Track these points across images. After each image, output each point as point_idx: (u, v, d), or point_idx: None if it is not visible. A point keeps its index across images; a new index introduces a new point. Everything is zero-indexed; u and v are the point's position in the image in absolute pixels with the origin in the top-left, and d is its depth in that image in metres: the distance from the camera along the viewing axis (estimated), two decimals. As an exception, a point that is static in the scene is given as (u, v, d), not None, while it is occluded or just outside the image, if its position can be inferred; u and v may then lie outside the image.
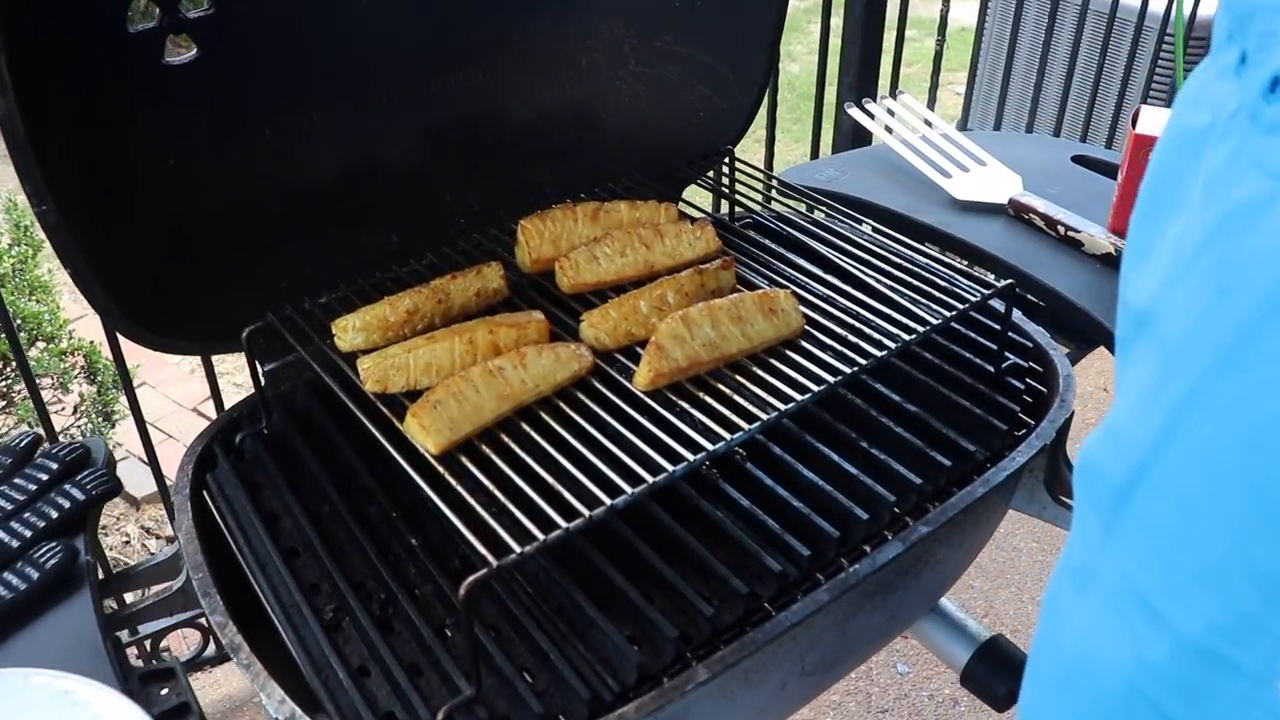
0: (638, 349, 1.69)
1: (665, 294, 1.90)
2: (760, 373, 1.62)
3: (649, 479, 1.32)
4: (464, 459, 1.47)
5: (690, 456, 1.35)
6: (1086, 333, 2.13)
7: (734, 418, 1.47)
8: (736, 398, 1.54)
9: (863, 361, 1.58)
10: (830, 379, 1.55)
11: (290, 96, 1.69)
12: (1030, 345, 1.97)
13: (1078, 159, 2.91)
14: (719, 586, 1.45)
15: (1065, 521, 2.02)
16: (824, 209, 2.26)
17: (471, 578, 1.18)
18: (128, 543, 4.98)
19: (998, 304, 1.81)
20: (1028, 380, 1.90)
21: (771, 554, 1.47)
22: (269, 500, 1.76)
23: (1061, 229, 2.51)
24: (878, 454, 1.65)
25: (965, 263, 2.50)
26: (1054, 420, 1.79)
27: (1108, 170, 2.75)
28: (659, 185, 2.25)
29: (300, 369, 1.81)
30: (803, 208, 2.23)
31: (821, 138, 4.12)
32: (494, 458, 1.46)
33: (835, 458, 1.64)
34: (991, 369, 1.86)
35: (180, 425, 4.65)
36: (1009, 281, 1.78)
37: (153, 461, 2.80)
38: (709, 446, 1.37)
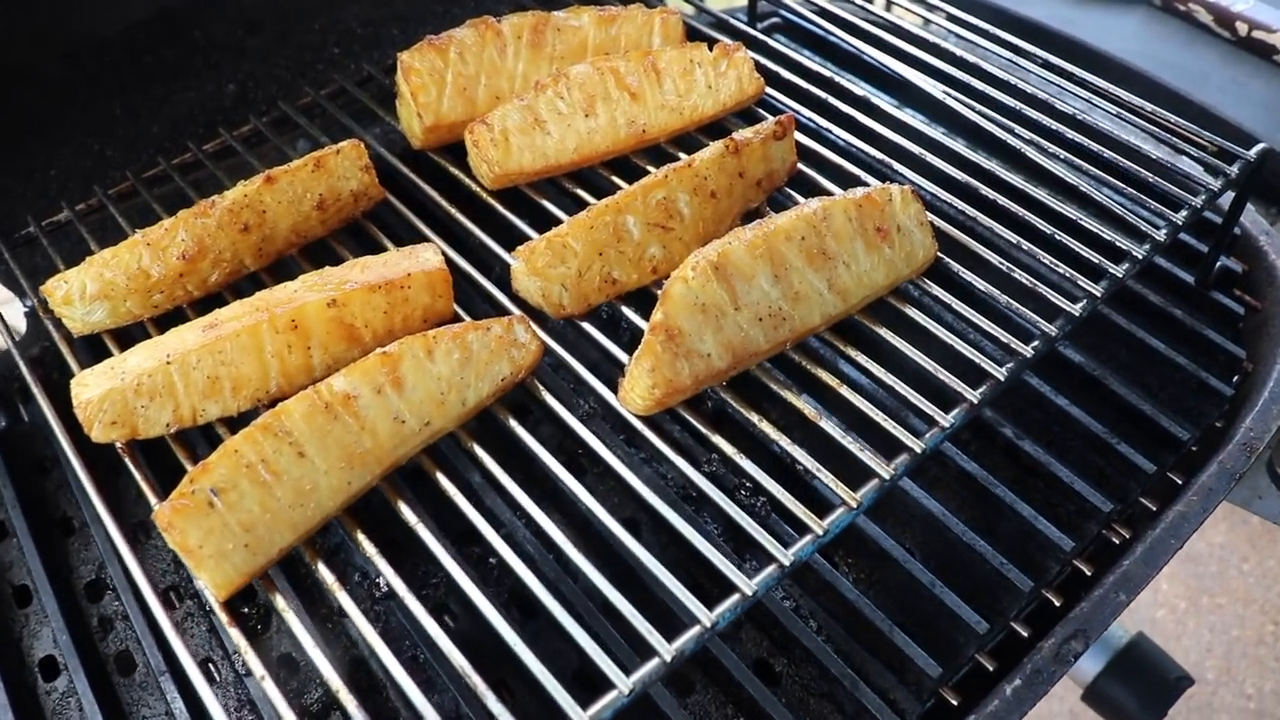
0: (627, 311, 1.03)
1: (674, 198, 0.98)
2: (859, 357, 1.00)
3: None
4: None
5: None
6: None
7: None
8: (823, 423, 0.96)
9: (1045, 333, 1.03)
10: (999, 374, 0.99)
11: None
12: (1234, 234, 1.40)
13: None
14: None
15: None
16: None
17: None
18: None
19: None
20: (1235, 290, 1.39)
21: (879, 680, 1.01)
22: (15, 562, 1.19)
23: (1243, 27, 1.67)
24: (1035, 453, 1.16)
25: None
26: None
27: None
28: None
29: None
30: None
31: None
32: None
33: (971, 468, 1.14)
34: (1191, 279, 1.35)
35: None
36: (1260, 150, 1.20)
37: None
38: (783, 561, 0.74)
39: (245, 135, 1.33)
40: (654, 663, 0.81)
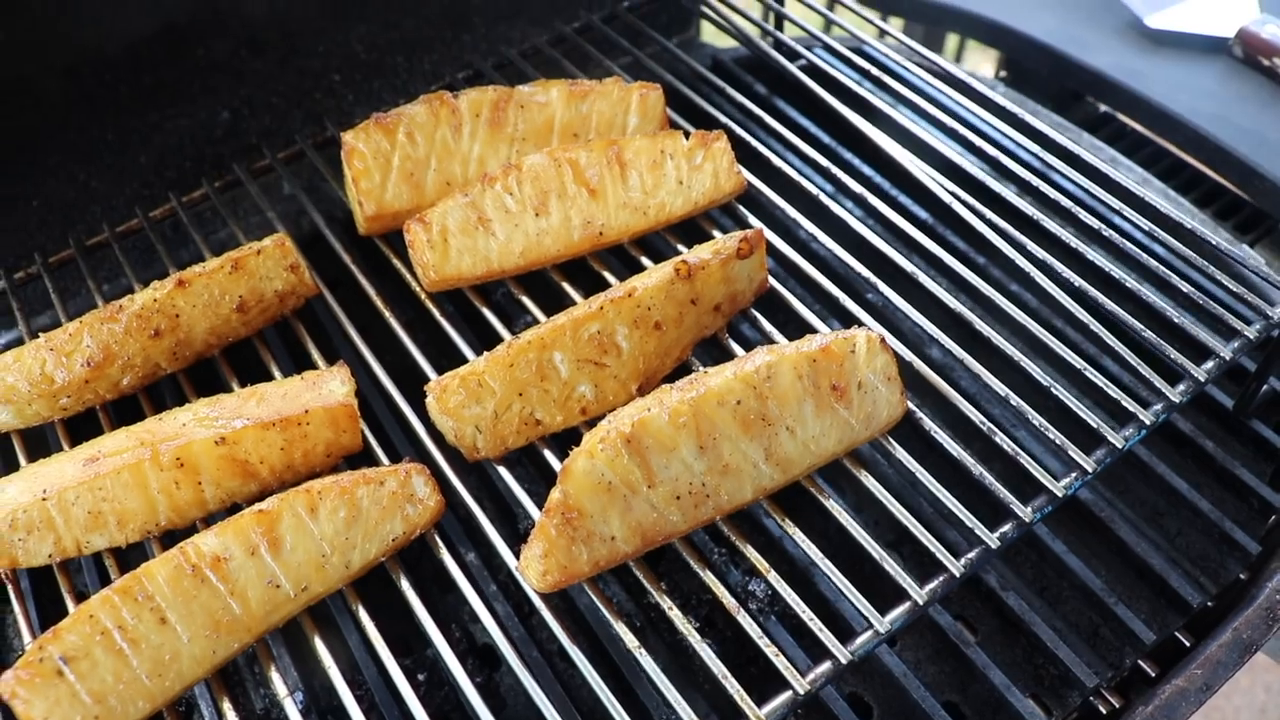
0: (548, 457, 0.95)
1: (610, 332, 0.87)
2: (794, 531, 0.90)
3: None
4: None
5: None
6: None
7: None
8: (740, 618, 0.84)
9: (1017, 516, 0.91)
10: (955, 568, 0.88)
11: None
12: None
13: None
14: None
15: None
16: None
17: None
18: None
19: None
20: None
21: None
22: None
23: None
24: (1020, 610, 1.05)
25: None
26: None
27: None
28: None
29: None
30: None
31: None
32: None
33: (945, 621, 1.03)
34: (1230, 403, 1.22)
35: None
36: None
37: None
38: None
39: (196, 201, 1.26)
40: None
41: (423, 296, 1.03)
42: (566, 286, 1.03)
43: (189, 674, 0.77)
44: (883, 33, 1.41)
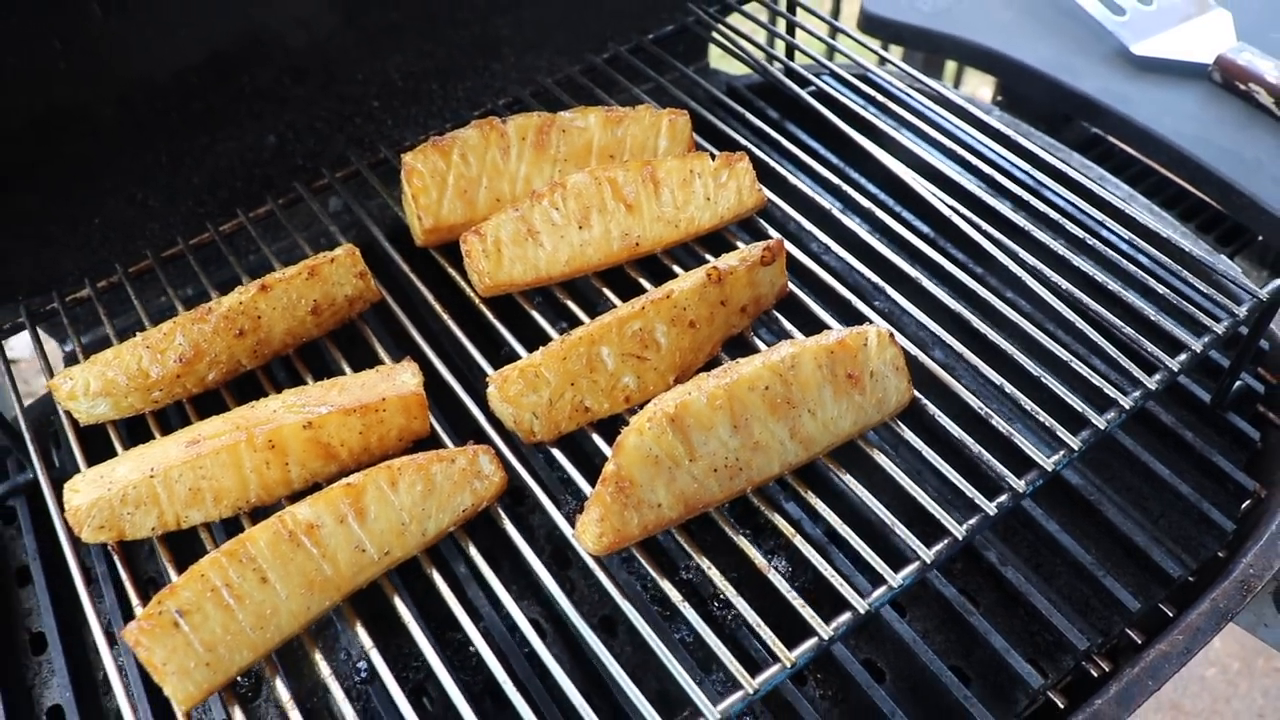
0: (597, 440, 1.05)
1: (650, 329, 0.99)
2: (817, 503, 1.00)
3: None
4: None
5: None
6: None
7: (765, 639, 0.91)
8: (771, 575, 0.94)
9: (1013, 488, 1.02)
10: (958, 532, 0.97)
11: None
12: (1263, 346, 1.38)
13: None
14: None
15: None
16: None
17: None
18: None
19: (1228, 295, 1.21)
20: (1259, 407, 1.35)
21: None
22: (33, 611, 1.26)
23: None
24: (1018, 581, 1.16)
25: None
26: None
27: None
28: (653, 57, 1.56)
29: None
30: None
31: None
32: None
33: (949, 593, 1.14)
34: (1207, 397, 1.33)
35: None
36: (1276, 287, 1.15)
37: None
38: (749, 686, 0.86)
39: (261, 216, 1.37)
40: None
41: (476, 301, 1.14)
42: (606, 291, 1.14)
43: (287, 627, 0.88)
44: (883, 60, 1.53)
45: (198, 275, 1.30)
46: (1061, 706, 1.13)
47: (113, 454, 1.08)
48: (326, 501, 0.88)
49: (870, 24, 1.83)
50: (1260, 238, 1.69)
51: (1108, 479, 1.28)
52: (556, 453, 1.00)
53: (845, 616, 0.91)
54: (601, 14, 1.70)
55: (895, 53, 1.85)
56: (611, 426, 1.04)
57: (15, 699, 1.21)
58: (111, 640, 1.08)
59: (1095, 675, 1.16)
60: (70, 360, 1.46)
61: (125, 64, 1.35)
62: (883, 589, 0.92)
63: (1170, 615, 1.19)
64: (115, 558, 0.98)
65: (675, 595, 0.91)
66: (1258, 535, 1.24)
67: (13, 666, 1.24)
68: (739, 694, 0.86)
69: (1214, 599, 1.17)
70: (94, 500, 0.93)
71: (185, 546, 1.04)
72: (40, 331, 1.30)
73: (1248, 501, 1.29)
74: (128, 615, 1.20)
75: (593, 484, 0.95)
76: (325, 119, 1.64)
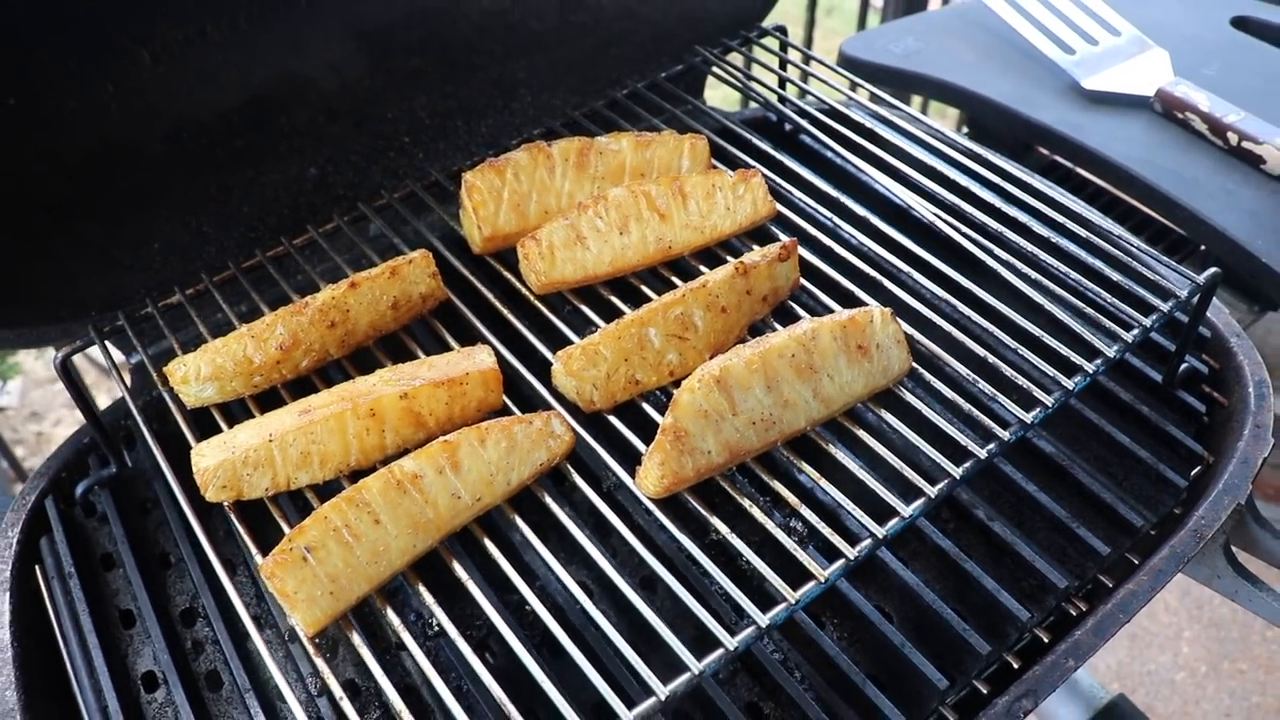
0: (647, 409, 1.22)
1: (689, 314, 1.17)
2: (837, 453, 1.19)
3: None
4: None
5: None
6: (1261, 290, 1.69)
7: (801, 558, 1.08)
8: (805, 511, 1.11)
9: (999, 437, 1.20)
10: (953, 470, 1.16)
11: (173, 4, 1.33)
12: (1206, 334, 1.58)
13: (1239, 22, 2.12)
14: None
15: (1248, 598, 1.49)
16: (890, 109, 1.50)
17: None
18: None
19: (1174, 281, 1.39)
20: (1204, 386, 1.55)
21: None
22: (121, 590, 1.41)
23: (1233, 137, 1.79)
24: (1004, 533, 1.33)
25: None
26: (1247, 462, 1.40)
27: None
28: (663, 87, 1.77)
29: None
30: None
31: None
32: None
33: (945, 544, 1.30)
34: (1159, 377, 1.51)
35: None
36: (1212, 272, 1.35)
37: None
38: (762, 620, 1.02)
39: (329, 230, 1.54)
40: (651, 700, 0.99)
41: (532, 298, 1.32)
42: (643, 288, 1.33)
43: (396, 563, 1.03)
44: (850, 99, 1.73)
45: (249, 293, 1.44)
46: (1046, 641, 1.31)
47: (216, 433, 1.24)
48: (428, 456, 1.05)
49: (848, 65, 2.04)
50: (1202, 246, 1.90)
51: (1077, 449, 1.47)
52: (613, 419, 1.17)
53: (866, 542, 1.08)
54: (608, 59, 1.88)
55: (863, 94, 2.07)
56: (656, 399, 1.21)
57: (113, 665, 1.34)
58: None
59: (1074, 614, 1.33)
60: (138, 371, 1.61)
61: (172, 106, 1.45)
62: (895, 520, 1.10)
63: (1135, 562, 1.38)
64: (232, 515, 1.13)
65: (703, 557, 1.08)
66: (1207, 494, 1.43)
67: (109, 638, 1.37)
68: (750, 629, 1.03)
69: (1172, 545, 1.35)
70: (219, 462, 1.09)
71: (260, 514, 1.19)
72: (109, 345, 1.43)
73: (1198, 467, 1.48)
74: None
75: (645, 443, 1.12)
76: (361, 153, 1.75)
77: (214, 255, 1.66)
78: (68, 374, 1.38)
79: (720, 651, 1.02)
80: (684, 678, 1.00)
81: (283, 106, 1.58)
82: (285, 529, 1.10)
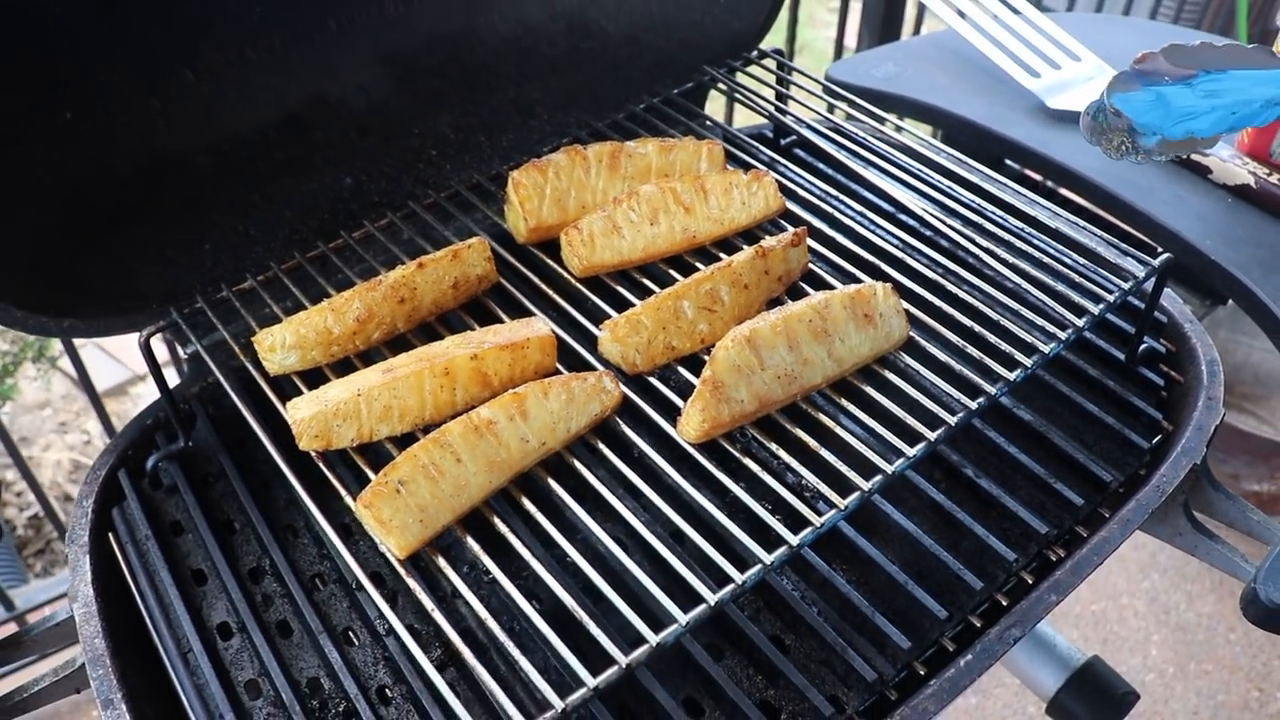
0: (681, 370, 1.39)
1: (717, 289, 1.35)
2: (850, 407, 1.36)
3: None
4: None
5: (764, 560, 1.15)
6: (1212, 285, 1.84)
7: (824, 488, 1.24)
8: (822, 452, 1.27)
9: (987, 392, 1.37)
10: (949, 419, 1.32)
11: (215, 29, 1.44)
12: (1163, 320, 1.77)
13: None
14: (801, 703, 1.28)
15: (1205, 551, 1.64)
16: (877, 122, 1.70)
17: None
18: (88, 442, 4.55)
19: (1132, 266, 1.56)
20: (1161, 366, 1.73)
21: (865, 651, 1.30)
22: (192, 552, 1.55)
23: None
24: (990, 489, 1.49)
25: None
26: (1201, 429, 1.58)
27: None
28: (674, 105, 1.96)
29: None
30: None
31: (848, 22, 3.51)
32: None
33: (939, 499, 1.46)
34: (1122, 356, 1.68)
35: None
36: (1165, 256, 1.55)
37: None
38: (792, 540, 1.18)
39: (384, 226, 1.70)
40: (674, 626, 1.12)
41: (573, 281, 1.49)
42: (671, 272, 1.50)
43: (475, 496, 1.19)
44: (848, 115, 1.93)
45: (291, 290, 1.57)
46: (1030, 582, 1.48)
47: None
48: (500, 405, 1.21)
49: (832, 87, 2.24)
50: (1159, 249, 2.11)
51: (1053, 419, 1.65)
52: (653, 380, 1.34)
53: (878, 478, 1.26)
54: (616, 81, 2.03)
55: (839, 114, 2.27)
56: (689, 363, 1.38)
57: (191, 616, 1.47)
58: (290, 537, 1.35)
59: (1053, 559, 1.51)
60: (193, 360, 1.75)
61: (214, 121, 1.56)
62: (900, 460, 1.27)
63: (1106, 515, 1.56)
64: (320, 463, 1.28)
65: (722, 515, 1.23)
66: (1167, 455, 1.61)
67: (185, 594, 1.50)
68: (757, 567, 1.18)
69: (1138, 499, 1.51)
70: (314, 414, 1.24)
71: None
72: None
73: (1159, 435, 1.67)
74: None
75: (681, 399, 1.29)
76: (392, 164, 1.87)
77: (261, 255, 1.77)
78: (150, 352, 1.52)
79: (732, 585, 1.16)
80: (700, 608, 1.14)
81: (317, 123, 1.67)
82: (341, 490, 1.25)
